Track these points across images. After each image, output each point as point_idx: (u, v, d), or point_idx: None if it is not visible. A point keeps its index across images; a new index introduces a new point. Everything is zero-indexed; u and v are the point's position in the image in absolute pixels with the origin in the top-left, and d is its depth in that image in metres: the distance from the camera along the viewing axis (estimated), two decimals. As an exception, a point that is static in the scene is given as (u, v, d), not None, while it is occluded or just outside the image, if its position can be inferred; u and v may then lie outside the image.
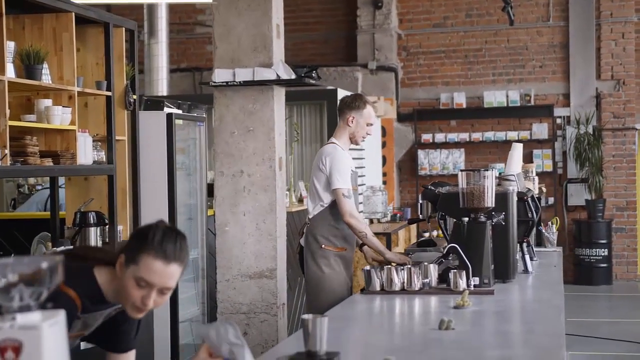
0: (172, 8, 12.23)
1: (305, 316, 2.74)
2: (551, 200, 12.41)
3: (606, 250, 12.16)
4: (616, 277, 12.39)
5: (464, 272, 4.24)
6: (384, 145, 12.05)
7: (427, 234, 9.82)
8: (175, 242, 2.64)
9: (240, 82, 5.61)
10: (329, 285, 5.04)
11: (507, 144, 11.31)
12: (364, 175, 10.11)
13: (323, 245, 5.07)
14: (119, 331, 2.86)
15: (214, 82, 5.70)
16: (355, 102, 5.14)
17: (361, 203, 9.61)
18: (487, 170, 4.42)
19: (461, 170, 4.46)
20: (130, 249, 2.65)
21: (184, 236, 2.70)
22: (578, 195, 12.48)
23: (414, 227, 10.92)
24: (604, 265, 12.16)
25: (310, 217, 5.13)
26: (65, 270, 2.62)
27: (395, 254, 5.07)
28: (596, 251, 12.14)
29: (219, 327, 2.31)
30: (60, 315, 1.80)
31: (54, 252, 2.83)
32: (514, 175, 5.21)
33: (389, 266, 4.37)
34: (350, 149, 5.24)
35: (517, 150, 5.64)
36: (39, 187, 8.24)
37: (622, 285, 12.21)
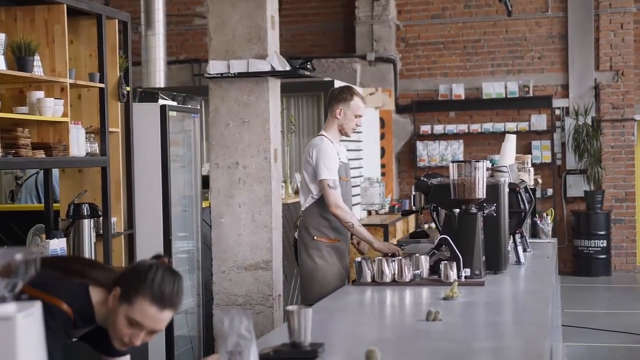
0: (169, 0, 12.20)
1: (290, 308, 2.75)
2: (550, 191, 12.39)
3: (605, 241, 12.15)
4: (615, 268, 12.38)
5: (454, 264, 4.24)
6: (382, 136, 12.04)
7: (426, 225, 9.82)
8: (172, 285, 2.64)
9: (234, 73, 5.61)
10: (322, 277, 5.04)
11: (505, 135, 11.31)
12: (362, 167, 10.09)
13: (315, 237, 5.06)
14: None
15: (209, 74, 5.70)
16: (343, 94, 5.11)
17: (358, 195, 9.60)
18: (479, 161, 4.41)
19: (452, 162, 4.46)
20: (127, 285, 2.64)
21: (181, 277, 2.71)
22: (577, 187, 12.46)
23: (412, 218, 10.90)
24: (603, 256, 12.15)
25: (303, 209, 5.13)
26: (64, 285, 2.65)
27: (384, 244, 5.07)
28: (595, 242, 12.13)
29: (234, 317, 2.31)
30: (36, 307, 1.80)
31: (52, 263, 2.82)
32: (506, 166, 5.20)
33: (380, 257, 4.38)
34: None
35: (511, 142, 5.63)
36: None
37: (621, 277, 12.20)
